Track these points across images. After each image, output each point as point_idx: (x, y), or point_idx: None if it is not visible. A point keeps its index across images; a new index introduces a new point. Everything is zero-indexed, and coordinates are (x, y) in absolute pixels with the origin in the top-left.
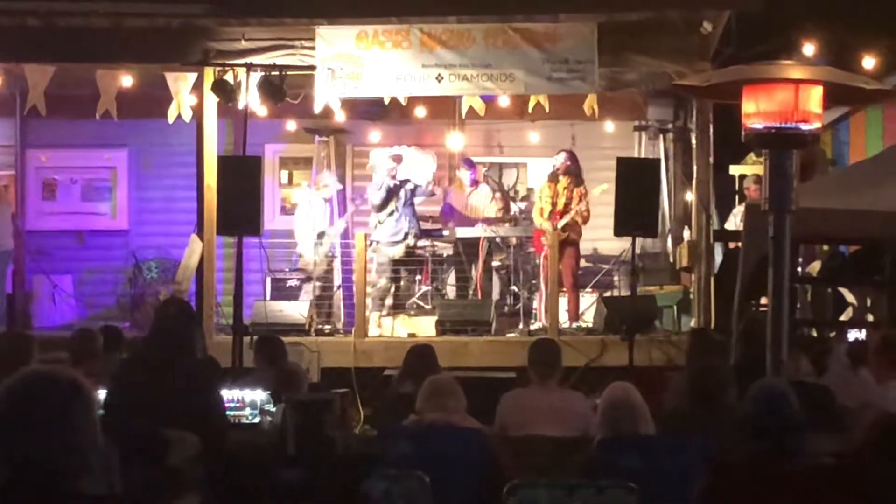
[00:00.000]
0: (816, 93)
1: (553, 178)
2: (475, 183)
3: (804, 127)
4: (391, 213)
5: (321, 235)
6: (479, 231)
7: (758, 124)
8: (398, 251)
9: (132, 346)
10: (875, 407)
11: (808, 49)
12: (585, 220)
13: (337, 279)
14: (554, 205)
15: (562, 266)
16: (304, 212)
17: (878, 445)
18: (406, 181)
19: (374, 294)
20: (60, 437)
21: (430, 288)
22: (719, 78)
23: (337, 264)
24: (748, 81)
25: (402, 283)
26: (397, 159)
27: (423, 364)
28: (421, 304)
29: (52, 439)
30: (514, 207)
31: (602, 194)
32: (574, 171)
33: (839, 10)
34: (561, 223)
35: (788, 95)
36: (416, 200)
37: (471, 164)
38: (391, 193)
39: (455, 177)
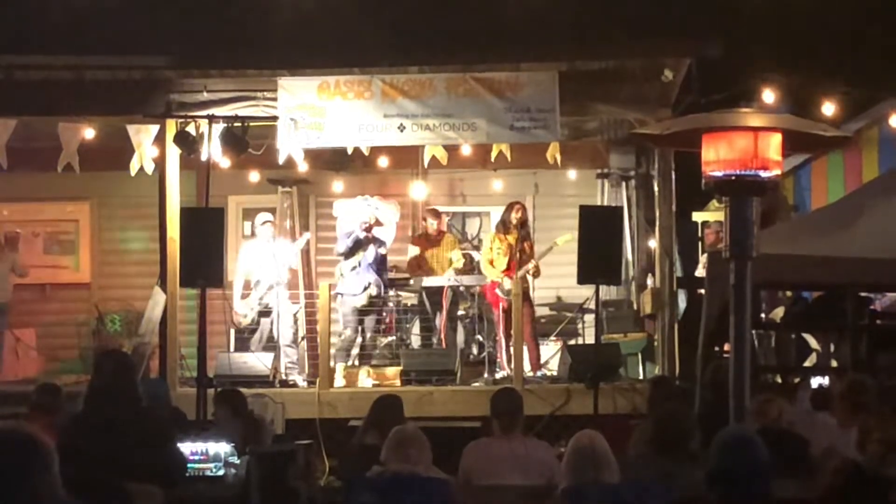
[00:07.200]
0: (775, 140)
1: (506, 229)
2: (440, 233)
3: (763, 174)
4: (353, 268)
5: (256, 284)
6: (443, 280)
7: (718, 172)
8: (361, 300)
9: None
10: (839, 453)
11: (768, 96)
12: (537, 274)
13: (301, 330)
14: (512, 255)
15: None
16: (242, 261)
17: (842, 491)
18: (380, 243)
19: (340, 345)
20: (18, 494)
21: (394, 338)
22: (679, 126)
23: (301, 315)
24: (707, 129)
25: (367, 333)
26: (376, 222)
27: (388, 415)
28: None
29: (10, 496)
30: (477, 256)
31: (565, 243)
32: (527, 223)
33: (799, 57)
34: (521, 272)
35: (748, 143)
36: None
37: (436, 215)
38: (358, 245)
39: (420, 226)
